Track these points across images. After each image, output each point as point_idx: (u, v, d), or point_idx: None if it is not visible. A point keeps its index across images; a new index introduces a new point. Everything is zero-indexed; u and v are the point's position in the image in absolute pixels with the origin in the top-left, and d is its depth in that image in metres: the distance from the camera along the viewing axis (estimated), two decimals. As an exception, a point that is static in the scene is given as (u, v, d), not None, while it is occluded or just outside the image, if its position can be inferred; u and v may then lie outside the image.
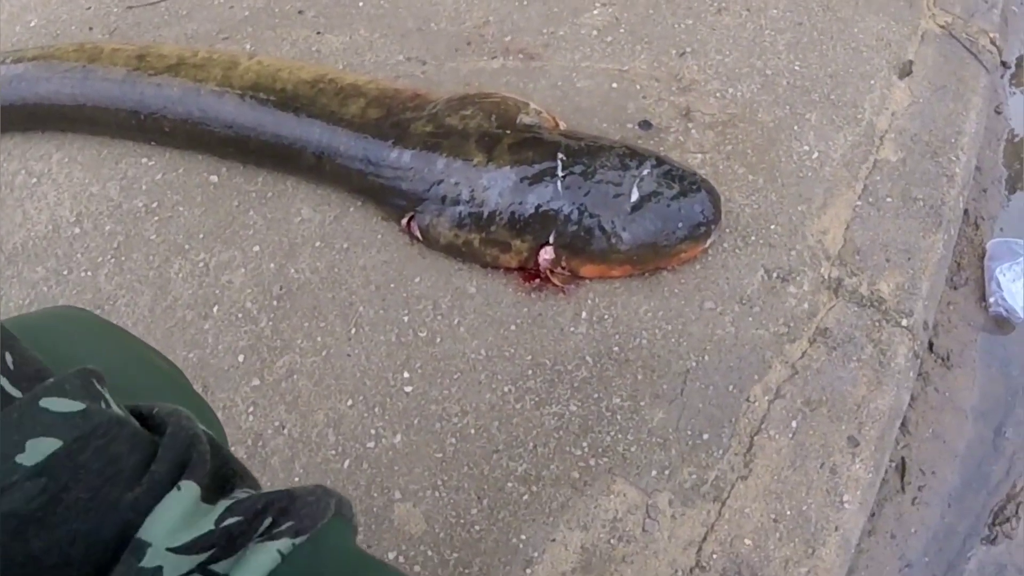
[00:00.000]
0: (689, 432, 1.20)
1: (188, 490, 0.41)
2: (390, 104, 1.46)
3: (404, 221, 1.40)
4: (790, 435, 1.19)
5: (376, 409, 1.25)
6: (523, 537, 1.12)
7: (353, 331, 1.34)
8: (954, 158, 1.52)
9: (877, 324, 1.30)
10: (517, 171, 1.33)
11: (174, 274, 1.44)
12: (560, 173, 1.32)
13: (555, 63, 1.69)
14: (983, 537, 1.33)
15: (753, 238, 1.40)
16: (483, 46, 1.75)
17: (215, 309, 1.39)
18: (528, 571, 1.10)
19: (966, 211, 1.60)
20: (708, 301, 1.33)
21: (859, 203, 1.45)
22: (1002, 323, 1.51)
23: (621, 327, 1.30)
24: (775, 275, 1.35)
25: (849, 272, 1.36)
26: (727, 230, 1.40)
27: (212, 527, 0.40)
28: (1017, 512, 1.34)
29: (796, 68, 1.65)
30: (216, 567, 0.40)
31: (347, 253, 1.44)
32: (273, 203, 1.52)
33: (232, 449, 1.23)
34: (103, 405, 0.41)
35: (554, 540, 1.12)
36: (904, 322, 1.31)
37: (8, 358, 0.39)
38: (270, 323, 1.36)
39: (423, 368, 1.29)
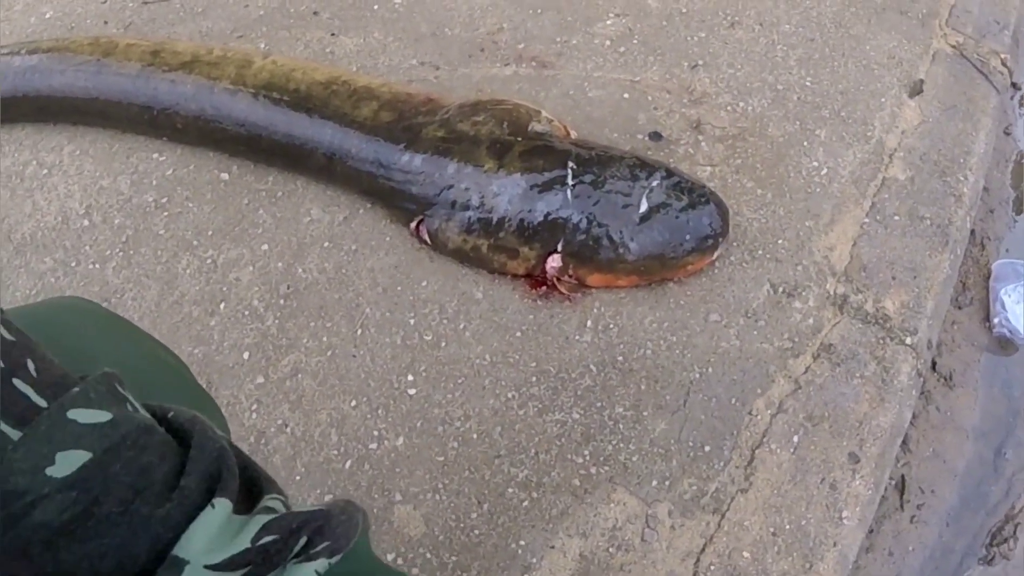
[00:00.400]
0: (691, 443, 1.20)
1: (222, 507, 0.41)
2: (402, 108, 1.47)
3: (413, 225, 1.41)
4: (791, 449, 1.20)
5: (379, 411, 1.26)
6: (522, 543, 1.13)
7: (359, 332, 1.34)
8: (962, 178, 1.52)
9: (881, 341, 1.31)
10: (527, 178, 1.34)
11: (182, 270, 1.45)
12: (570, 182, 1.33)
13: (567, 72, 1.70)
14: (980, 557, 1.33)
15: (760, 252, 1.40)
16: (496, 53, 1.76)
17: (222, 306, 1.40)
18: (526, 577, 1.10)
19: (973, 231, 1.60)
20: (713, 313, 1.33)
21: (866, 220, 1.45)
22: (1005, 344, 1.52)
23: (626, 337, 1.31)
24: (781, 290, 1.36)
25: (855, 289, 1.37)
26: (734, 243, 1.41)
27: (248, 545, 0.40)
28: (1015, 533, 1.35)
29: (807, 84, 1.66)
30: None
31: (355, 255, 1.44)
32: (283, 202, 1.53)
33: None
34: (129, 408, 0.42)
35: (553, 547, 1.12)
36: (908, 340, 1.31)
37: (31, 366, 0.39)
38: (276, 322, 1.37)
39: (427, 371, 1.29)
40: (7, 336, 0.39)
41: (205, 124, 1.53)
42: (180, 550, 0.39)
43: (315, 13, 1.88)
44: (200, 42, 1.78)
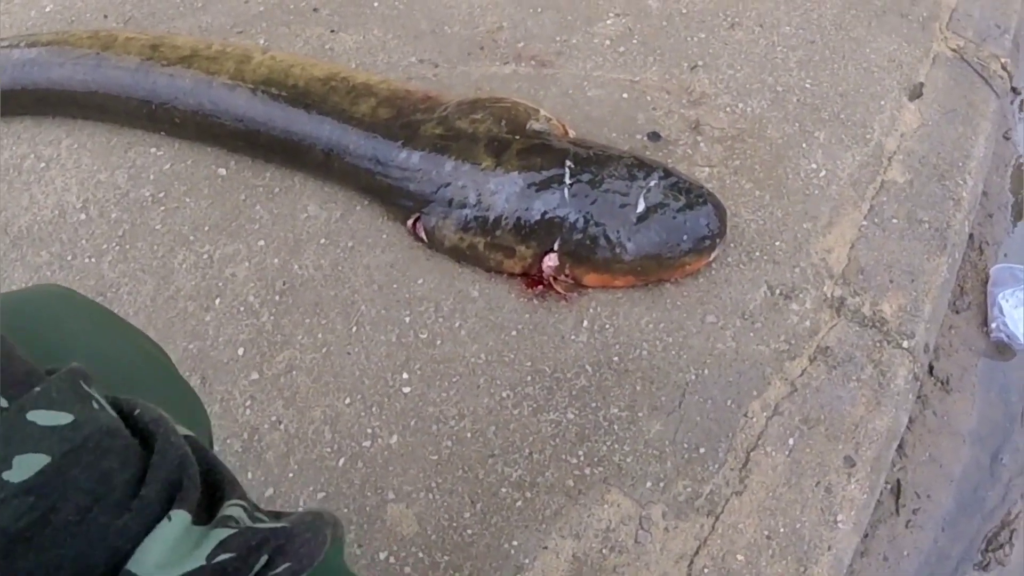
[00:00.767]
0: (686, 445, 1.20)
1: (179, 519, 0.39)
2: (401, 105, 1.46)
3: (410, 222, 1.41)
4: (787, 452, 1.19)
5: (374, 408, 1.25)
6: (515, 543, 1.12)
7: (354, 330, 1.34)
8: (961, 182, 1.52)
9: (878, 345, 1.30)
10: (525, 177, 1.34)
11: (178, 265, 1.44)
12: (567, 181, 1.33)
13: (567, 71, 1.70)
14: (976, 563, 1.32)
15: (757, 254, 1.40)
16: (496, 51, 1.75)
17: (217, 301, 1.39)
18: (519, 577, 1.09)
19: (971, 236, 1.60)
20: (710, 315, 1.33)
21: (865, 223, 1.45)
22: (1003, 349, 1.51)
23: (622, 337, 1.30)
24: (778, 291, 1.35)
25: (852, 292, 1.36)
26: (732, 245, 1.40)
27: (203, 562, 0.38)
28: (1011, 538, 1.34)
29: (807, 86, 1.65)
30: None
31: (351, 251, 1.44)
32: (280, 198, 1.52)
33: (227, 442, 1.23)
34: (94, 406, 0.40)
35: (546, 547, 1.12)
36: (905, 344, 1.30)
37: None
38: (271, 318, 1.36)
39: (422, 370, 1.29)
40: None
41: (203, 119, 1.52)
42: (134, 565, 0.37)
43: (315, 9, 1.88)
44: (199, 37, 1.78)
